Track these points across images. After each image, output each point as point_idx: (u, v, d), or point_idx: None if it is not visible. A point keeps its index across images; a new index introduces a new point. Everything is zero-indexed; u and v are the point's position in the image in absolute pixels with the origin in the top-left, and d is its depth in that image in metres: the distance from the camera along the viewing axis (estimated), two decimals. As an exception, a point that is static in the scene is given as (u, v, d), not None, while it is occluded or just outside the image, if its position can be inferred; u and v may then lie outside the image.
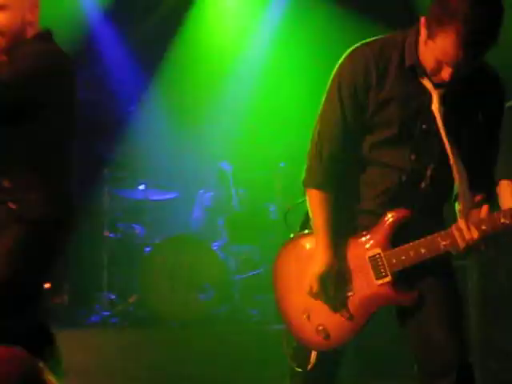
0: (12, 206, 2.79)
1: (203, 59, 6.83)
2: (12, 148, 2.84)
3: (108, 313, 5.68)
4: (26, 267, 2.76)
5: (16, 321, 2.73)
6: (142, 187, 6.06)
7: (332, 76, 2.37)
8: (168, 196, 6.29)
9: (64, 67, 2.93)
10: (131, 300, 5.74)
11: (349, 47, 2.34)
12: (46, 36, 2.97)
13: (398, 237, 2.32)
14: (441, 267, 2.35)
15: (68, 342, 3.43)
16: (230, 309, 5.75)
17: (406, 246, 2.29)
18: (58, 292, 5.71)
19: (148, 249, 5.77)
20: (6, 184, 2.81)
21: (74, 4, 6.49)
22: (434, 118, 2.26)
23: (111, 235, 5.97)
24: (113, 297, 5.84)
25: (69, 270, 5.66)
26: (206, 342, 5.04)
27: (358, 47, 2.34)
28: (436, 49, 2.13)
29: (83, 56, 6.01)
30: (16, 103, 2.76)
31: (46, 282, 3.13)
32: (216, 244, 5.90)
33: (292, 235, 2.53)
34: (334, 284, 2.36)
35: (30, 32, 2.92)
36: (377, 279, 2.32)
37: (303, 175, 2.42)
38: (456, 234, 2.22)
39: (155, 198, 6.15)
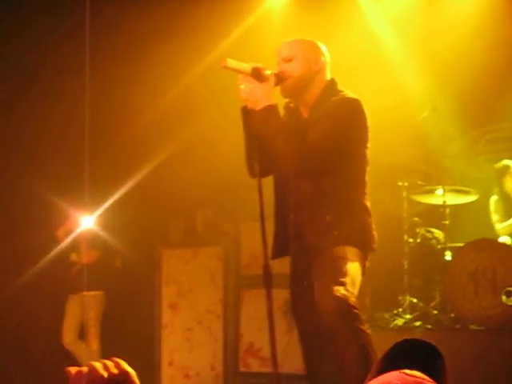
0: (336, 233, 3.19)
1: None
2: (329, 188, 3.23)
3: (410, 316, 5.78)
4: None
5: None
6: (439, 192, 6.07)
7: None
8: (466, 200, 6.22)
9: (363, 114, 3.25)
10: (433, 304, 5.78)
11: None
12: (334, 86, 3.34)
13: None
14: None
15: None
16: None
17: None
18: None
19: (449, 253, 5.77)
20: (328, 218, 3.21)
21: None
22: None
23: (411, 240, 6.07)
24: (414, 301, 5.92)
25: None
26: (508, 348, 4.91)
27: None
28: None
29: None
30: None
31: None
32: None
33: None
34: None
35: (319, 81, 3.31)
36: None
37: None
38: None
39: (453, 202, 6.12)
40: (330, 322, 2.95)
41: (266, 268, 3.10)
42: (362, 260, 3.28)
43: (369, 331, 3.04)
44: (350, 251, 3.20)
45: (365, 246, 3.31)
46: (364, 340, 2.97)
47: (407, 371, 1.40)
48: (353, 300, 3.01)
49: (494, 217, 6.28)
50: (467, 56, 6.48)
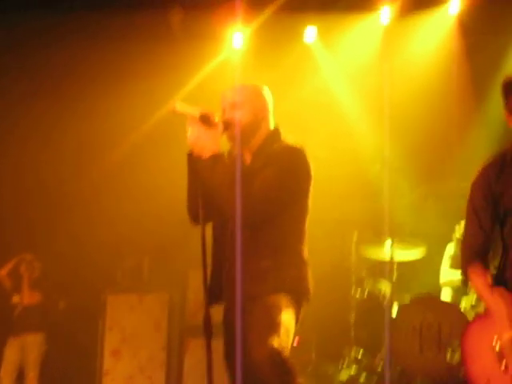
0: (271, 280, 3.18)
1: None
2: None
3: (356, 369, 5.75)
4: None
5: None
6: (387, 246, 6.10)
7: None
8: (414, 255, 6.26)
9: (306, 163, 3.25)
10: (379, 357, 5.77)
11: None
12: (277, 133, 3.33)
13: None
14: None
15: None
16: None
17: None
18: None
19: (395, 308, 5.78)
20: (263, 265, 3.19)
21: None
22: None
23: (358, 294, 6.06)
24: (360, 353, 5.90)
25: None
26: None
27: None
28: None
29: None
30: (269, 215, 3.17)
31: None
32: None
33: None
34: None
35: (264, 128, 3.32)
36: None
37: None
38: None
39: (401, 258, 6.14)
40: (262, 373, 2.88)
41: (207, 319, 3.04)
42: (297, 308, 3.23)
43: None
44: (285, 299, 3.15)
45: (300, 295, 3.26)
46: None
47: None
48: (286, 353, 2.95)
49: (445, 262, 6.33)
50: (420, 111, 6.60)
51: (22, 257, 7.36)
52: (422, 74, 6.72)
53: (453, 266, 6.25)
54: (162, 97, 6.31)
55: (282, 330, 3.00)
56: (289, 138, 3.39)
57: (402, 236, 6.22)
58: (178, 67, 6.57)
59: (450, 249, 6.39)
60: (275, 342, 2.92)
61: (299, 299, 3.23)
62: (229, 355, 3.32)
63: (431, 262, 6.43)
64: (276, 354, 2.89)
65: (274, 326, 2.99)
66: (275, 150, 3.26)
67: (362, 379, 5.67)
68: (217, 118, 3.20)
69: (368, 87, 6.72)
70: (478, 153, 6.49)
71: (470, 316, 5.53)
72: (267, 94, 3.44)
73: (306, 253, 3.32)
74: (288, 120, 3.59)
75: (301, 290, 3.25)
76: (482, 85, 6.55)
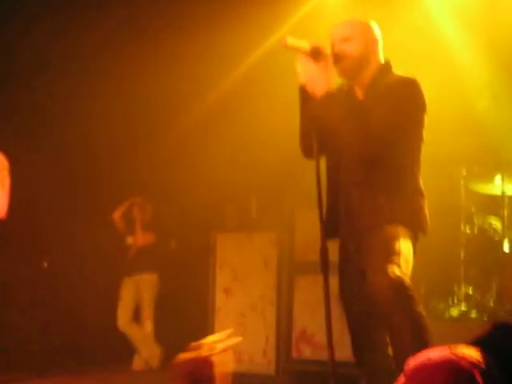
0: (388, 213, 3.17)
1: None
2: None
3: (466, 307, 5.71)
4: None
5: None
6: (497, 181, 5.97)
7: None
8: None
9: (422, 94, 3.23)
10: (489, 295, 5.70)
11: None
12: (389, 66, 3.29)
13: None
14: None
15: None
16: None
17: None
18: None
19: (507, 243, 5.68)
20: (380, 200, 3.19)
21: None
22: None
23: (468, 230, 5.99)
24: (470, 291, 5.85)
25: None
26: None
27: None
28: None
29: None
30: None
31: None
32: None
33: None
34: None
35: (375, 62, 3.31)
36: None
37: None
38: None
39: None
40: (384, 302, 2.91)
41: (324, 251, 3.08)
42: (414, 241, 3.23)
43: (424, 313, 3.00)
44: (403, 230, 3.15)
45: (416, 227, 3.25)
46: (419, 323, 2.93)
47: (458, 350, 1.41)
48: (407, 281, 2.97)
49: None
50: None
51: (133, 200, 7.62)
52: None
53: None
54: (261, 36, 6.32)
55: (402, 259, 3.02)
56: (400, 71, 3.37)
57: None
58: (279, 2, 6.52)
59: None
60: (396, 270, 2.94)
61: (415, 231, 3.24)
62: (343, 291, 3.38)
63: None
64: (397, 281, 2.91)
65: (393, 255, 3.01)
66: (390, 83, 3.24)
67: (472, 315, 5.63)
68: (328, 51, 3.19)
69: (475, 19, 6.49)
70: None
71: None
72: (376, 28, 3.42)
73: (421, 184, 3.31)
74: (393, 53, 3.55)
75: (417, 222, 3.25)
76: None
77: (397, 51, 3.66)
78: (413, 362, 1.41)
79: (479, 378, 1.33)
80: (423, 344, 2.79)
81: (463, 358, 1.37)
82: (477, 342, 1.51)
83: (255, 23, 6.42)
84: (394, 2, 6.47)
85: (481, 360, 1.38)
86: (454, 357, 1.38)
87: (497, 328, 1.53)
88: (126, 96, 7.22)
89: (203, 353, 1.49)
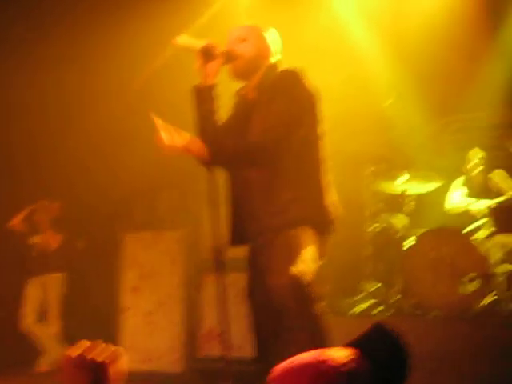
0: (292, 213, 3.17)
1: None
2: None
3: (371, 302, 5.82)
4: None
5: None
6: (403, 178, 6.07)
7: None
8: (429, 187, 6.24)
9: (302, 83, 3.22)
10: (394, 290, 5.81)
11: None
12: (274, 66, 3.34)
13: None
14: None
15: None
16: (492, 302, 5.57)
17: None
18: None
19: (410, 240, 5.81)
20: (284, 198, 3.19)
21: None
22: None
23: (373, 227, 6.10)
24: (376, 287, 5.96)
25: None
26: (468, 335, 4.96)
27: None
28: None
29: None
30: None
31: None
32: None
33: None
34: None
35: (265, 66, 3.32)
36: None
37: None
38: None
39: (415, 190, 6.14)
40: (282, 300, 2.92)
41: (217, 253, 3.08)
42: (321, 240, 3.23)
43: (321, 312, 3.02)
44: (307, 232, 3.15)
45: (322, 225, 3.25)
46: (314, 323, 2.95)
47: (325, 353, 1.41)
48: (306, 281, 2.98)
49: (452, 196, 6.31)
50: (436, 43, 6.48)
51: (34, 206, 7.44)
52: (436, 1, 6.61)
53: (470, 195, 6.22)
54: (171, 35, 6.25)
55: (302, 259, 3.03)
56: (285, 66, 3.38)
57: (417, 167, 6.20)
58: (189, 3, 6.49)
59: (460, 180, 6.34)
60: (294, 269, 2.95)
61: (322, 230, 3.23)
62: (251, 293, 3.36)
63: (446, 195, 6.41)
64: (295, 280, 2.92)
65: (293, 256, 3.02)
66: (273, 79, 3.26)
67: (374, 312, 5.73)
68: (218, 51, 3.21)
69: (381, 21, 6.61)
70: (493, 84, 6.42)
71: (484, 248, 5.57)
72: (272, 34, 3.44)
73: (327, 180, 3.29)
74: (299, 54, 3.57)
75: (323, 219, 3.24)
76: (497, 12, 6.42)
77: (304, 51, 3.68)
78: (277, 368, 1.41)
79: (341, 380, 1.34)
80: (318, 344, 2.81)
81: (326, 361, 1.37)
82: (355, 344, 1.52)
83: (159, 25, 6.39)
84: (302, 3, 6.53)
85: (347, 362, 1.39)
86: (315, 360, 1.38)
87: (374, 330, 1.54)
88: (21, 103, 7.06)
89: (96, 352, 1.47)
